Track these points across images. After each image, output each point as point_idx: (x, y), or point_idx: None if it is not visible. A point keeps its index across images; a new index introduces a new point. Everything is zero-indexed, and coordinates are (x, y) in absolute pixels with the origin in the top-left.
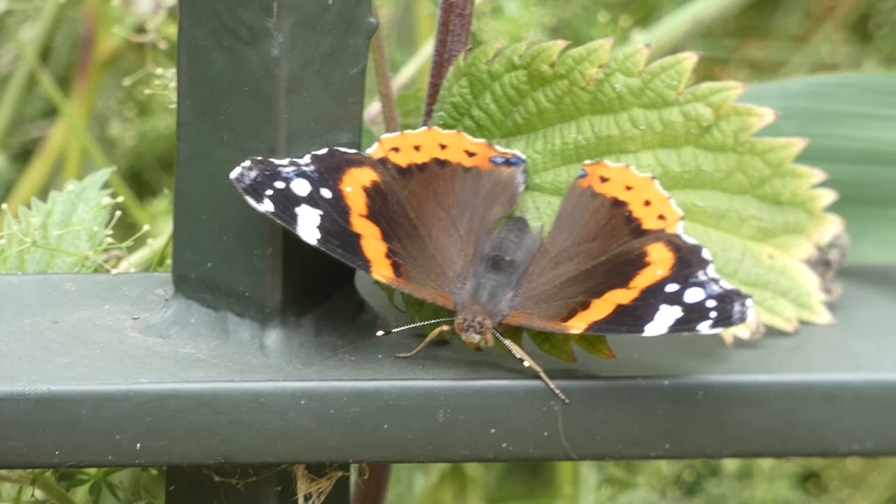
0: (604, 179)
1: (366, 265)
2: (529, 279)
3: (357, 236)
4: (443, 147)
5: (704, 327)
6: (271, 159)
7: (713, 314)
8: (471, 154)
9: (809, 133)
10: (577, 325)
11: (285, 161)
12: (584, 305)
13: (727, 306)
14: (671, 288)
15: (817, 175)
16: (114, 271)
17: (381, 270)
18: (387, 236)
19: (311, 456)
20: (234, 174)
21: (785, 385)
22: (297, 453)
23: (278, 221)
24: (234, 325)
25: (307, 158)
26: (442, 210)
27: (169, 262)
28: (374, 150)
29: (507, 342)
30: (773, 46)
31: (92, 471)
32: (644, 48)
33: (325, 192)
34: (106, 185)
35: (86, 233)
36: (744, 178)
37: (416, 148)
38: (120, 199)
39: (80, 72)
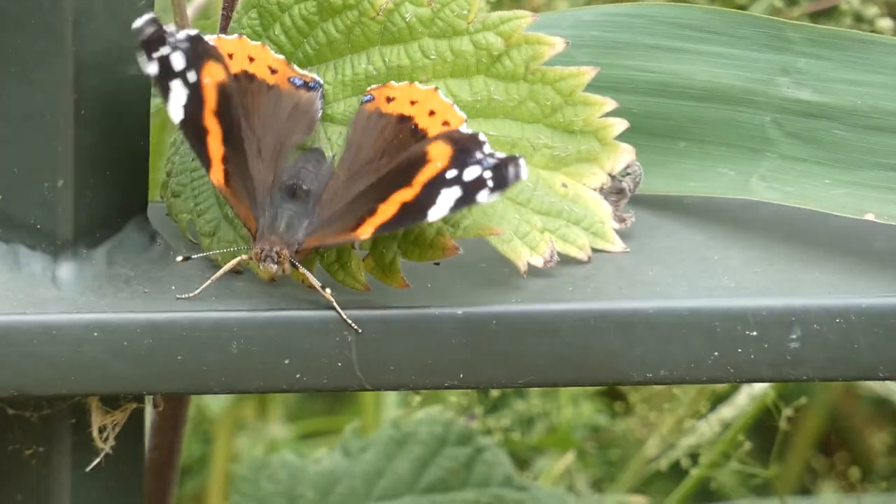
0: (389, 99)
1: (207, 165)
2: (323, 206)
3: (206, 131)
4: (251, 59)
5: (483, 196)
6: (164, 25)
7: (490, 182)
8: (273, 71)
9: (601, 63)
10: (365, 231)
11: (173, 29)
12: (372, 212)
13: (502, 171)
14: (451, 174)
15: (609, 104)
16: None
17: (216, 175)
18: (225, 140)
19: (105, 388)
20: (137, 23)
21: (578, 313)
22: (91, 385)
23: (156, 89)
24: (26, 257)
25: (183, 34)
26: (250, 128)
27: None
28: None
29: (303, 270)
30: None
31: None
32: None
33: (191, 76)
34: None
35: None
36: (535, 106)
37: (230, 56)
38: None
39: None
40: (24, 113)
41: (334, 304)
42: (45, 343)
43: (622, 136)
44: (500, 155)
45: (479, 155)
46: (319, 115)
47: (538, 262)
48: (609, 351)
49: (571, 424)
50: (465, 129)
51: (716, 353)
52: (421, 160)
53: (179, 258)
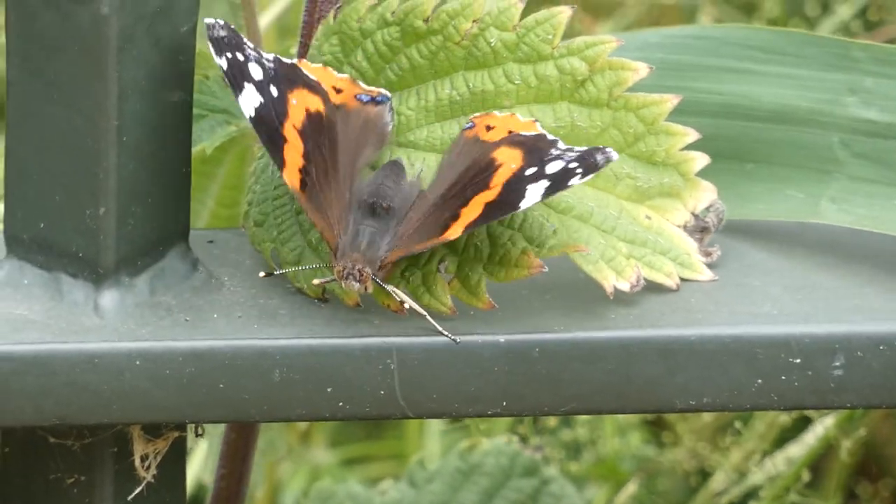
0: (489, 128)
1: (280, 164)
2: (407, 223)
3: (283, 139)
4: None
5: (576, 180)
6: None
7: (579, 169)
8: (338, 90)
9: (668, 86)
10: (455, 232)
11: (251, 43)
12: (455, 217)
13: (590, 158)
14: (530, 171)
15: (691, 134)
16: None
17: (291, 177)
18: (306, 156)
19: (147, 416)
20: (208, 20)
21: (620, 341)
22: (133, 414)
23: (225, 81)
24: (68, 285)
25: (272, 56)
26: (326, 146)
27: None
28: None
29: (389, 287)
30: None
31: None
32: (518, 2)
33: (273, 90)
34: None
35: None
36: (618, 134)
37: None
38: None
39: None
40: (66, 139)
41: (427, 316)
42: (87, 371)
43: (703, 172)
44: (581, 147)
45: (555, 151)
46: (390, 128)
47: (624, 286)
48: (651, 378)
49: (618, 455)
50: (527, 132)
51: (759, 381)
52: (490, 166)
53: (262, 273)
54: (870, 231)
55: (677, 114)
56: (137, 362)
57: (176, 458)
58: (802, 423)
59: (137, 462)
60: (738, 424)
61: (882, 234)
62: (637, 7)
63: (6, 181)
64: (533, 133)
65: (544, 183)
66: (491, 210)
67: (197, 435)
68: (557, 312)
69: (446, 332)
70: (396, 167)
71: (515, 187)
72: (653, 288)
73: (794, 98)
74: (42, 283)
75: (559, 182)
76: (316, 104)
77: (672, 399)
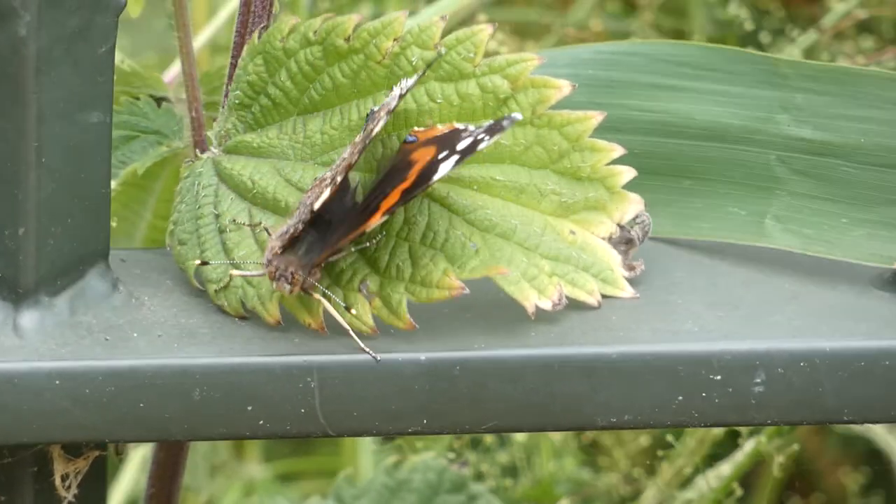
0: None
1: None
2: (340, 231)
3: None
4: None
5: (484, 142)
6: None
7: (487, 134)
8: None
9: (600, 103)
10: (376, 219)
11: None
12: (376, 209)
13: (496, 125)
14: (442, 155)
15: (616, 150)
16: None
17: None
18: None
19: (67, 436)
20: None
21: (541, 359)
22: (53, 433)
23: None
24: None
25: None
26: None
27: None
28: None
29: (318, 294)
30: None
31: None
32: (439, 21)
33: None
34: None
35: None
36: (542, 151)
37: None
38: None
39: None
40: None
41: (351, 331)
42: (7, 391)
43: (630, 184)
44: (489, 122)
45: (465, 133)
46: None
47: (546, 305)
48: (573, 396)
49: (554, 478)
50: (442, 128)
51: (680, 398)
52: (409, 165)
53: (197, 261)
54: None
55: (611, 131)
56: (57, 382)
57: (96, 477)
58: (734, 439)
59: (58, 482)
60: (670, 438)
61: (811, 254)
62: (565, 30)
63: None
64: (447, 129)
65: (455, 157)
66: (407, 194)
67: (117, 454)
68: (478, 330)
69: (368, 350)
70: (343, 181)
71: (429, 170)
72: (574, 305)
73: (727, 115)
74: None
75: (468, 151)
76: None
77: (593, 416)
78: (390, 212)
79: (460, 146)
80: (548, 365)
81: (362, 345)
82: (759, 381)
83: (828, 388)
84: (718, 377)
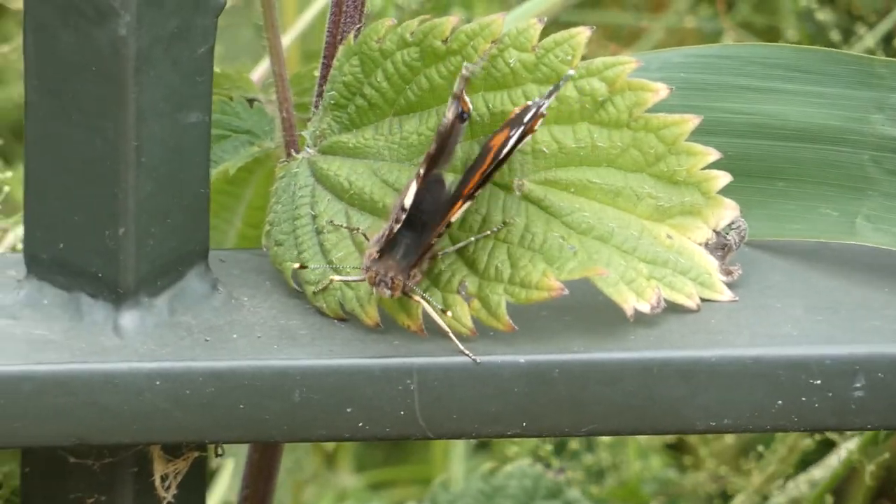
0: None
1: None
2: (434, 230)
3: None
4: None
5: (544, 107)
6: None
7: (545, 100)
8: None
9: (693, 106)
10: (458, 207)
11: None
12: (458, 198)
13: (555, 85)
14: (514, 132)
15: (712, 154)
16: None
17: None
18: None
19: (167, 437)
20: None
21: (640, 362)
22: (153, 434)
23: None
24: (88, 306)
25: None
26: None
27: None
28: None
29: (417, 297)
30: (629, 14)
31: None
32: (537, 23)
33: None
34: None
35: None
36: (639, 154)
37: None
38: None
39: None
40: (85, 160)
41: (450, 333)
42: (107, 392)
43: (724, 188)
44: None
45: (532, 108)
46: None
47: (645, 307)
48: (672, 399)
49: (640, 478)
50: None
51: (780, 402)
52: (487, 150)
53: (296, 265)
54: (889, 250)
55: (704, 134)
56: (157, 382)
57: (196, 478)
58: (825, 447)
59: (157, 482)
60: (759, 447)
61: None
62: (659, 33)
63: (25, 202)
64: (518, 109)
65: (520, 128)
66: (486, 177)
67: (217, 455)
68: (577, 333)
69: (467, 352)
70: (439, 182)
71: (502, 150)
72: (673, 309)
73: (821, 116)
74: (62, 304)
75: (533, 119)
76: None
77: (693, 420)
78: (471, 196)
79: (526, 118)
80: (647, 368)
81: (461, 347)
82: (858, 385)
83: None
84: (818, 381)
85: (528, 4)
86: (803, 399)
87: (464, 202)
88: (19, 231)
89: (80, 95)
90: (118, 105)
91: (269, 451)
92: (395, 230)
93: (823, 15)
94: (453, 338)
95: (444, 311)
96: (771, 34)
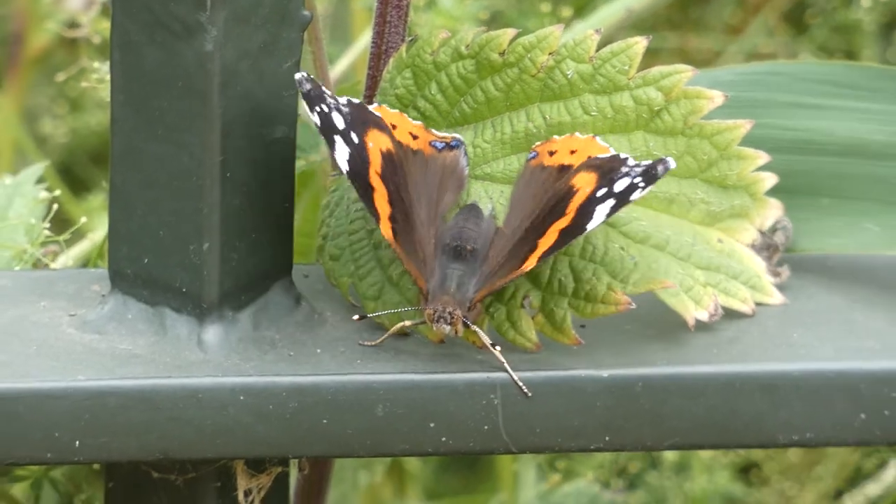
0: (552, 153)
1: (376, 218)
2: (489, 261)
3: (372, 189)
4: (393, 127)
5: (636, 195)
6: (321, 85)
7: (641, 183)
8: (414, 137)
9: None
10: (530, 263)
11: (329, 92)
12: (533, 249)
13: (651, 171)
14: (601, 193)
15: (762, 157)
16: (52, 265)
17: (385, 229)
18: (391, 201)
19: (250, 451)
20: (297, 76)
21: (723, 376)
22: (236, 449)
23: (321, 137)
24: (172, 320)
25: (344, 99)
26: (409, 191)
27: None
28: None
29: (475, 329)
30: (707, 38)
31: (32, 467)
32: (594, 34)
33: (354, 137)
34: (41, 180)
35: (23, 226)
36: (692, 161)
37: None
38: (56, 192)
39: (10, 68)
40: (170, 175)
41: (505, 364)
42: (191, 406)
43: (768, 193)
44: (647, 161)
45: (624, 169)
46: (466, 171)
47: (703, 316)
48: (754, 413)
49: (706, 494)
50: (603, 154)
51: (863, 416)
52: (570, 193)
53: (356, 317)
54: None
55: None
56: (241, 397)
57: (279, 493)
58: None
59: (241, 497)
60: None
61: None
62: (737, 56)
63: (111, 216)
64: (608, 155)
65: (611, 202)
66: (564, 237)
67: (300, 470)
68: (660, 346)
69: (520, 384)
70: (475, 209)
71: (586, 210)
72: (753, 322)
73: (868, 132)
74: (146, 318)
75: (623, 198)
76: (385, 142)
77: (775, 434)
78: (546, 257)
79: (617, 187)
80: (729, 382)
81: (516, 378)
82: None
83: None
84: None
85: (592, 20)
86: (886, 413)
87: (539, 259)
88: (70, 252)
89: (166, 111)
90: (204, 120)
91: (320, 466)
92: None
93: None
94: (508, 368)
95: (493, 346)
96: (847, 57)
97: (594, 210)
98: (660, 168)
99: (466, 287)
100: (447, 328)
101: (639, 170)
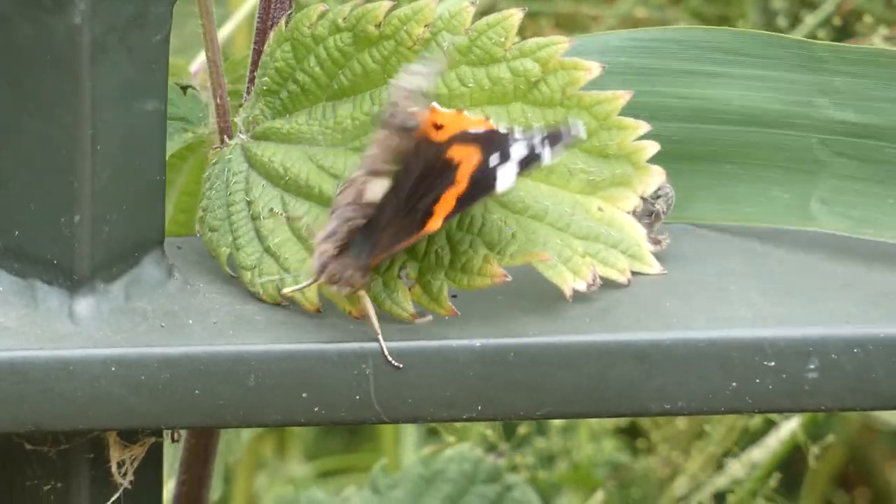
0: (438, 126)
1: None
2: (385, 228)
3: None
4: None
5: (547, 156)
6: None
7: (548, 143)
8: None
9: (633, 90)
10: (435, 224)
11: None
12: (430, 213)
13: (558, 132)
14: (494, 161)
15: (643, 126)
16: None
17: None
18: None
19: (123, 423)
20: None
21: (596, 345)
22: (109, 420)
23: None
24: (43, 292)
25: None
26: None
27: None
28: None
29: (363, 297)
30: (583, 4)
31: None
32: (470, 6)
33: None
34: None
35: None
36: None
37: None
38: None
39: None
40: (42, 149)
41: (379, 336)
42: (63, 378)
43: (658, 160)
44: (544, 126)
45: (516, 135)
46: None
47: (581, 286)
48: (627, 382)
49: (593, 462)
50: (475, 128)
51: (734, 384)
52: (451, 165)
53: (287, 290)
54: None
55: (647, 119)
56: (113, 369)
57: (153, 464)
58: (769, 426)
59: (114, 468)
60: (707, 428)
61: (859, 236)
62: (611, 21)
63: None
64: (483, 129)
65: (513, 167)
66: (465, 201)
67: (173, 440)
68: (533, 317)
69: (392, 360)
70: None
71: (484, 177)
72: (627, 291)
73: (764, 100)
74: (17, 291)
75: (529, 160)
76: None
77: (647, 403)
78: (451, 217)
79: (517, 155)
80: (602, 351)
81: (386, 352)
82: (812, 367)
83: (881, 374)
84: (772, 363)
85: None
86: (757, 381)
87: (441, 222)
88: None
89: (37, 85)
90: (74, 94)
91: (205, 435)
92: (354, 231)
93: (777, 2)
94: (381, 341)
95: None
96: (720, 23)
97: (495, 176)
98: (563, 129)
99: (364, 252)
100: (346, 289)
101: (536, 132)
